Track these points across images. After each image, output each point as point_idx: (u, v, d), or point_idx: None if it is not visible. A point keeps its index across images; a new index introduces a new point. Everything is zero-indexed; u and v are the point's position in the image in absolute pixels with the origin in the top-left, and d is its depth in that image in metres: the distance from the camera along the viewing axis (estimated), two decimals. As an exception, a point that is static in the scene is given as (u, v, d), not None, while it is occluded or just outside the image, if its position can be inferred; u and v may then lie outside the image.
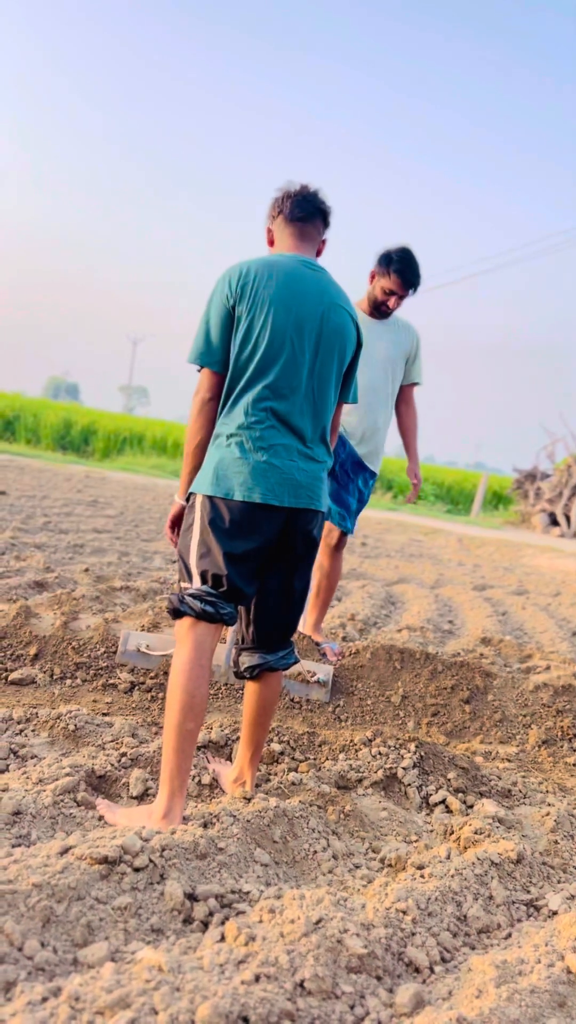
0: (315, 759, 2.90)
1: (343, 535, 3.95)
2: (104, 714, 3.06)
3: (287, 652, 2.51)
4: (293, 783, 2.59)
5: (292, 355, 2.30)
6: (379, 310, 3.71)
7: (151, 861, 1.90)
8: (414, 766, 2.84)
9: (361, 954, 1.68)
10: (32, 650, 3.50)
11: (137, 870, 1.87)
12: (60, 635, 3.61)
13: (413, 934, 1.84)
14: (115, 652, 3.56)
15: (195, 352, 2.36)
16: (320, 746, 2.98)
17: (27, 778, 2.32)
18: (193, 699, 2.20)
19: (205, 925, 1.84)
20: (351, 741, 2.98)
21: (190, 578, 2.29)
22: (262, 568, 2.36)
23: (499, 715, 3.68)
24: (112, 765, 2.50)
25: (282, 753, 2.87)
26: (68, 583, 5.19)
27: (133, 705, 3.22)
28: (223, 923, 1.82)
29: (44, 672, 3.39)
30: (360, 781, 2.75)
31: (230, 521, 2.26)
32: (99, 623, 3.75)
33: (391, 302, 3.66)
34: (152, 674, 3.42)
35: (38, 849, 1.88)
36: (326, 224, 2.52)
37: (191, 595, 2.26)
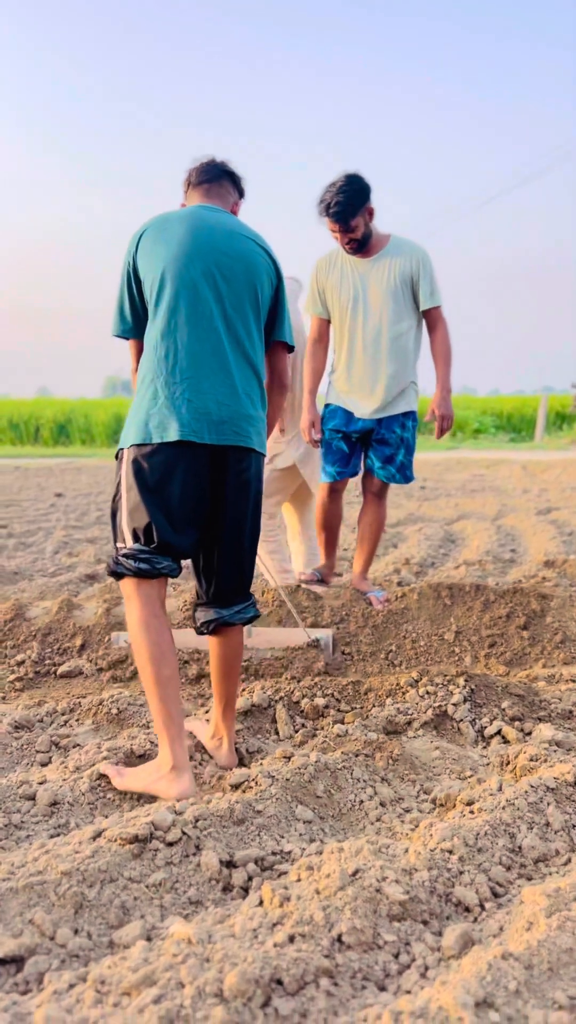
0: (361, 708, 2.82)
1: (384, 485, 3.82)
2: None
3: (244, 606, 2.45)
4: (339, 735, 2.52)
5: (196, 294, 2.26)
6: (351, 251, 3.53)
7: (184, 833, 1.86)
8: (465, 700, 2.73)
9: (402, 900, 1.61)
10: (78, 641, 3.51)
11: (170, 844, 1.83)
12: (103, 623, 3.61)
13: (461, 873, 1.76)
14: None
15: (113, 325, 2.43)
16: (366, 694, 2.90)
17: (65, 767, 2.31)
18: (159, 647, 2.20)
19: (245, 891, 1.79)
20: (397, 684, 2.89)
21: (123, 539, 2.27)
22: (197, 518, 2.30)
23: (560, 636, 3.53)
24: (152, 743, 2.47)
25: (327, 706, 2.81)
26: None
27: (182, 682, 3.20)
28: (262, 888, 1.77)
29: (90, 662, 3.39)
30: (409, 724, 2.66)
31: (150, 468, 2.21)
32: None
33: (341, 239, 3.49)
34: (198, 655, 3.39)
35: (70, 837, 1.86)
36: (238, 188, 2.58)
37: (124, 555, 2.24)
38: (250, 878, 1.81)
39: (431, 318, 3.63)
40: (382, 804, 2.19)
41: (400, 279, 3.53)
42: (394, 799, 2.23)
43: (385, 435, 3.69)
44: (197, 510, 2.28)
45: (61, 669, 3.33)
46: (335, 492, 3.83)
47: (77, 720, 2.76)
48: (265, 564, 4.05)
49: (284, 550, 4.34)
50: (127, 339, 2.47)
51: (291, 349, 2.57)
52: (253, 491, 2.37)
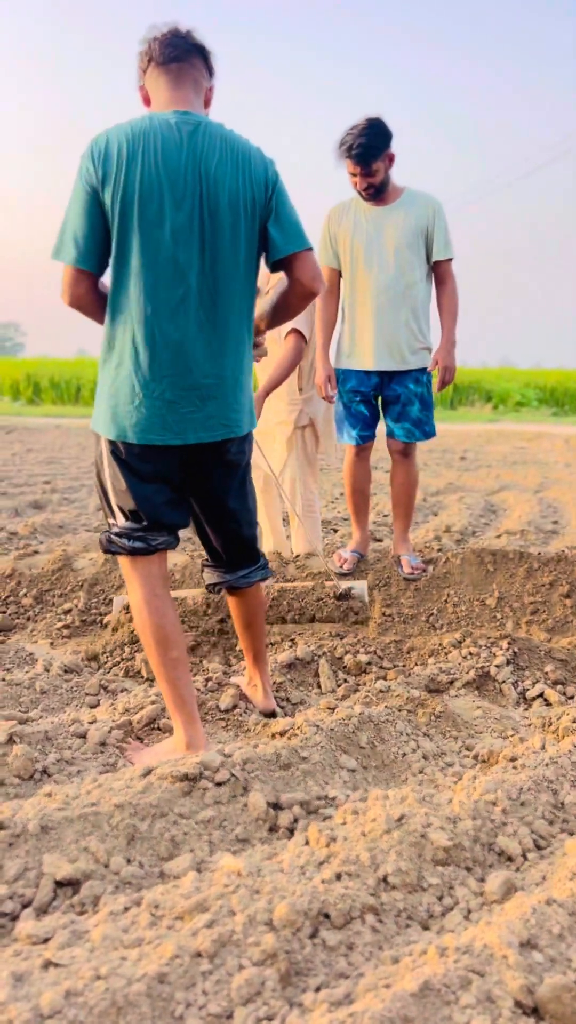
0: (403, 666, 2.85)
1: (407, 444, 3.78)
2: (193, 646, 3.09)
3: (250, 570, 2.38)
4: (381, 691, 2.56)
5: (174, 261, 2.00)
6: (368, 196, 3.47)
7: (232, 775, 1.91)
8: (508, 663, 2.75)
9: (446, 846, 1.64)
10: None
11: (219, 784, 1.88)
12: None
13: (504, 824, 1.78)
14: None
15: (56, 247, 2.04)
16: (408, 652, 2.93)
17: (114, 709, 2.37)
18: (163, 629, 2.14)
19: (291, 832, 1.84)
20: (440, 645, 2.91)
21: (114, 515, 2.18)
22: (184, 498, 2.22)
23: (603, 606, 3.51)
24: (199, 690, 2.52)
25: (369, 663, 2.84)
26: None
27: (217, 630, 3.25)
28: (308, 829, 1.82)
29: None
30: (451, 683, 2.68)
31: (129, 458, 2.10)
32: (186, 560, 3.79)
33: (359, 184, 3.43)
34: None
35: (121, 774, 1.92)
36: (209, 68, 2.16)
37: (117, 534, 2.16)
38: (296, 820, 1.86)
39: (441, 271, 3.59)
40: (424, 757, 2.22)
41: (416, 229, 3.48)
42: (436, 753, 2.26)
43: (398, 390, 3.63)
44: (183, 492, 2.21)
45: (107, 619, 3.39)
46: (361, 455, 3.80)
47: (120, 668, 2.83)
48: (307, 532, 4.01)
49: (316, 511, 4.13)
50: (76, 267, 2.04)
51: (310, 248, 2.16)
52: (241, 468, 2.25)
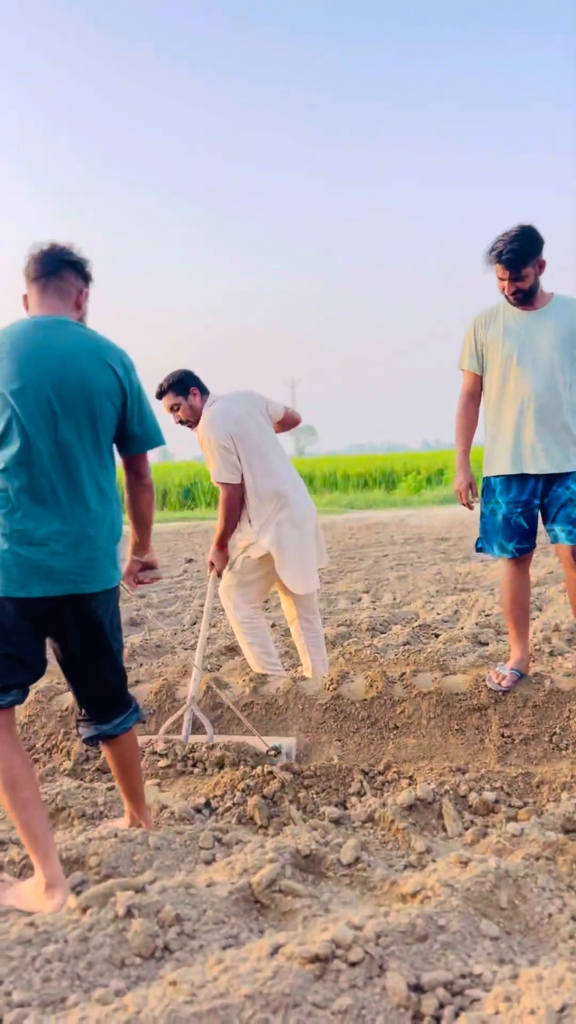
0: (535, 803, 2.65)
1: (574, 548, 3.53)
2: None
3: (123, 719, 2.48)
4: (514, 835, 2.36)
5: (30, 432, 2.21)
6: (516, 301, 3.43)
7: (367, 953, 1.75)
8: None
9: (620, 1046, 1.45)
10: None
11: (353, 965, 1.73)
12: (251, 701, 3.58)
13: None
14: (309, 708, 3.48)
15: None
16: (538, 787, 2.73)
17: (232, 869, 2.25)
18: (10, 772, 2.24)
19: (437, 1020, 1.66)
20: (573, 776, 2.70)
21: None
22: (41, 654, 2.33)
23: None
24: (317, 842, 2.39)
25: (496, 801, 2.65)
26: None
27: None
28: (456, 1016, 1.64)
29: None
30: (590, 821, 2.47)
31: None
32: (288, 684, 3.69)
33: (507, 289, 3.40)
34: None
35: (247, 951, 1.79)
36: (83, 275, 2.48)
37: None
38: (441, 1005, 1.68)
39: None
40: (573, 918, 2.02)
41: (568, 332, 3.41)
42: (585, 912, 2.05)
43: (558, 491, 3.48)
44: (40, 649, 2.32)
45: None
46: (520, 566, 3.62)
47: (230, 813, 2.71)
48: (246, 655, 4.04)
49: (266, 639, 4.08)
50: None
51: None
52: (106, 626, 2.38)
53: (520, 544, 3.51)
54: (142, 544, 2.68)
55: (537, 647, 4.63)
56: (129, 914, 1.95)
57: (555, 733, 3.25)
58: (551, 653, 4.57)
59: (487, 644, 4.99)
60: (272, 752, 3.22)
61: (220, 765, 3.13)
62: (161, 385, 3.95)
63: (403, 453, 39.70)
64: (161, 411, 3.88)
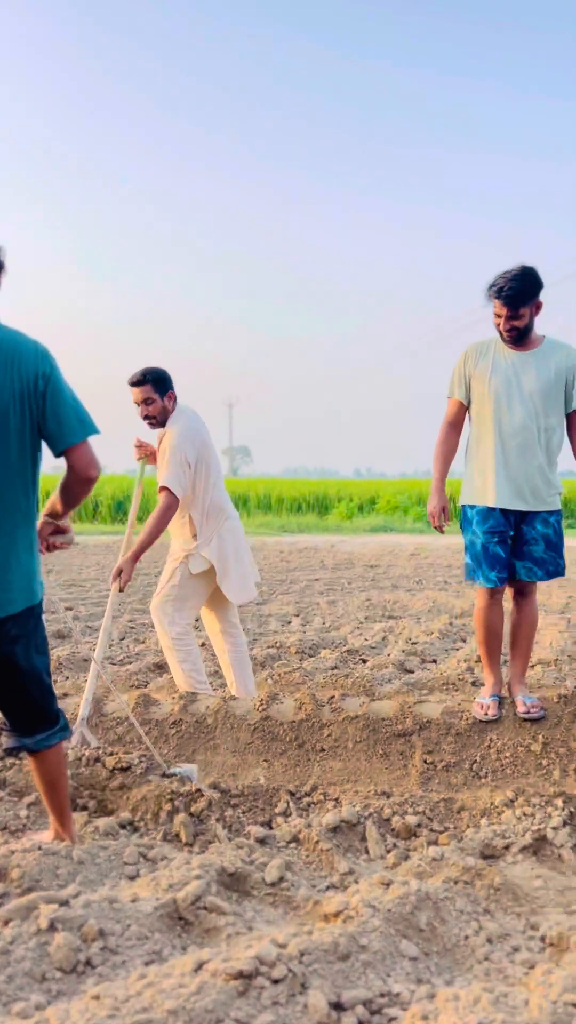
0: (455, 828, 2.72)
1: (527, 583, 3.70)
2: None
3: (46, 735, 2.48)
4: (434, 859, 2.42)
5: None
6: (510, 338, 3.55)
7: (290, 970, 1.78)
8: (564, 824, 2.62)
9: (531, 1063, 1.51)
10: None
11: (276, 982, 1.75)
12: (179, 719, 3.58)
13: (589, 1031, 1.64)
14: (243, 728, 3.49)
15: None
16: (459, 812, 2.80)
17: (156, 885, 2.25)
18: None
19: (356, 1038, 1.70)
20: (492, 804, 2.79)
21: None
22: None
23: None
24: (243, 861, 2.40)
25: (419, 825, 2.71)
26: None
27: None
28: (375, 1036, 1.68)
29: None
30: (507, 848, 2.55)
31: None
32: (218, 703, 3.70)
33: (503, 325, 3.52)
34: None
35: (170, 967, 1.80)
36: None
37: None
38: (360, 1023, 1.72)
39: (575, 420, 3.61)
40: (488, 940, 2.08)
41: (555, 375, 3.53)
42: (500, 935, 2.11)
43: (525, 531, 3.60)
44: None
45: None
46: (495, 597, 3.70)
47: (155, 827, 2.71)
48: (174, 674, 4.00)
49: (197, 659, 4.05)
50: None
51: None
52: (25, 645, 2.38)
53: (501, 573, 3.61)
54: (61, 513, 2.55)
55: (460, 676, 4.75)
56: (52, 928, 1.94)
57: (475, 761, 3.34)
58: (473, 683, 4.69)
59: (412, 672, 5.10)
60: (169, 775, 3.15)
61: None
62: (144, 375, 3.88)
63: (336, 480, 40.07)
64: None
